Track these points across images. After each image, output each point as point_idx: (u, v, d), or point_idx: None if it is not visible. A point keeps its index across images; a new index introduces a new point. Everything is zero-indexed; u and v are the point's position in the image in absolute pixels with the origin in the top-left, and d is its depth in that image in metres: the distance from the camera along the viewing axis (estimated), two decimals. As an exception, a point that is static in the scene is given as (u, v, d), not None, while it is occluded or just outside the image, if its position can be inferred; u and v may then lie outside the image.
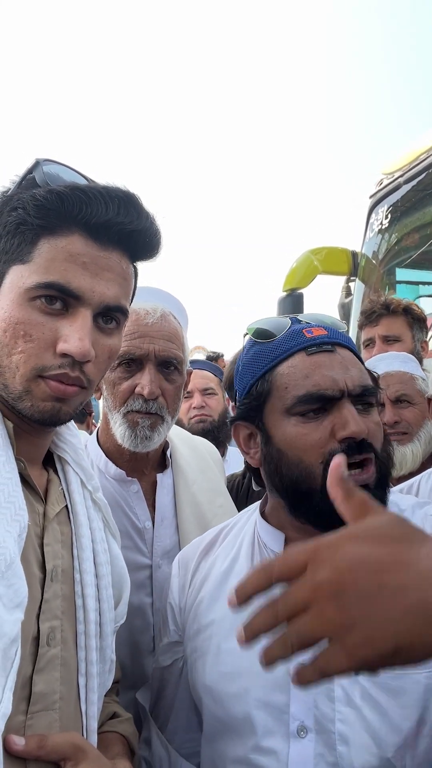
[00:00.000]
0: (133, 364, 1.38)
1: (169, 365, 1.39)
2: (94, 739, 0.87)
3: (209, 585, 1.07)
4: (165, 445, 1.53)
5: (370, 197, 4.63)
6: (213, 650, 1.00)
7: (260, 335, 1.03)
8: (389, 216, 4.43)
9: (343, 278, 5.00)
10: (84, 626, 0.87)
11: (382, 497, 0.93)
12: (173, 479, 1.50)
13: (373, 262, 4.59)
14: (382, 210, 4.50)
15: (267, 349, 1.01)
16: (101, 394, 1.45)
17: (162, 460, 1.53)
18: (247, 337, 1.06)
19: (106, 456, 1.47)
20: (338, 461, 0.66)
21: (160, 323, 1.40)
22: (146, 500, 1.45)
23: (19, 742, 0.75)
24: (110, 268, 0.84)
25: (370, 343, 2.62)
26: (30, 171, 0.85)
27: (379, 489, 0.93)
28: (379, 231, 4.52)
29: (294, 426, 0.95)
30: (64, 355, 0.80)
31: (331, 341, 0.98)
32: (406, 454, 1.98)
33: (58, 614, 0.84)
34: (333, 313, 5.24)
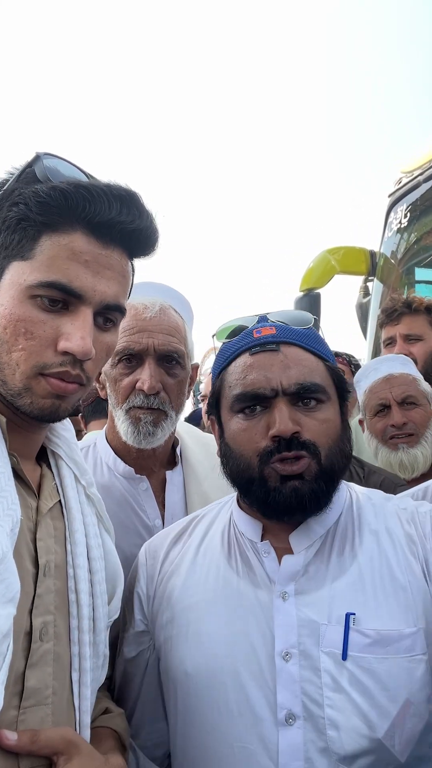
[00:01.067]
0: (133, 359, 1.37)
1: (170, 359, 1.38)
2: (86, 733, 0.87)
3: (182, 572, 1.08)
4: (174, 442, 1.52)
5: (389, 196, 4.58)
6: (192, 635, 1.00)
7: (226, 335, 1.09)
8: (408, 215, 4.38)
9: (361, 278, 4.95)
10: (77, 621, 0.87)
11: (316, 488, 0.96)
12: (183, 477, 1.49)
13: (392, 261, 4.54)
14: (401, 209, 4.45)
15: (225, 348, 1.07)
16: (106, 391, 1.45)
17: (171, 457, 1.52)
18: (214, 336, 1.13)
19: (115, 453, 1.47)
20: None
21: (159, 317, 1.38)
22: (156, 498, 1.44)
23: (11, 736, 0.75)
24: (111, 266, 0.84)
25: (391, 342, 2.58)
26: (30, 165, 0.84)
27: (319, 481, 0.96)
28: (398, 230, 4.47)
29: (236, 423, 1.01)
30: (65, 353, 0.81)
31: (276, 340, 1.01)
32: (417, 457, 1.98)
33: (51, 609, 0.84)
34: (350, 314, 5.19)
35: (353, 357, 2.94)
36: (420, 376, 2.13)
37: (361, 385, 2.16)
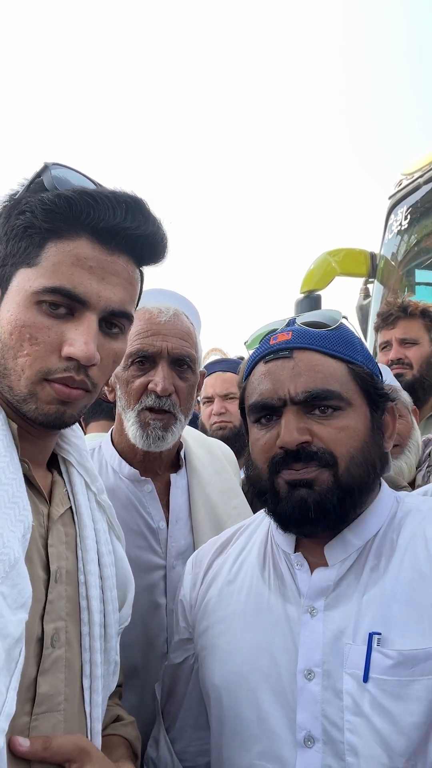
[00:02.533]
0: (146, 361, 1.38)
1: (182, 363, 1.40)
2: (98, 741, 0.87)
3: (219, 582, 1.08)
4: (179, 446, 1.53)
5: (389, 198, 4.58)
6: (222, 648, 1.00)
7: (252, 345, 1.08)
8: (408, 217, 4.38)
9: (362, 280, 4.95)
10: (88, 627, 0.87)
11: (325, 499, 0.91)
12: (188, 480, 1.50)
13: (392, 263, 4.55)
14: (402, 211, 4.46)
15: (250, 357, 1.06)
16: (115, 395, 1.46)
17: (176, 460, 1.53)
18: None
19: (120, 456, 1.47)
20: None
21: (172, 321, 1.40)
22: (160, 500, 1.45)
23: (23, 743, 0.75)
24: (116, 272, 0.84)
25: (386, 345, 2.58)
26: (38, 174, 0.85)
27: (332, 493, 0.91)
28: (399, 232, 4.47)
29: (254, 433, 1.01)
30: (70, 358, 0.81)
31: (290, 346, 0.98)
32: (402, 468, 1.99)
33: (62, 615, 0.84)
34: (351, 316, 5.20)
35: None
36: (399, 386, 2.12)
37: None
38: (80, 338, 0.80)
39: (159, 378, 1.35)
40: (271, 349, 1.00)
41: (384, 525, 0.98)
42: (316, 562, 0.98)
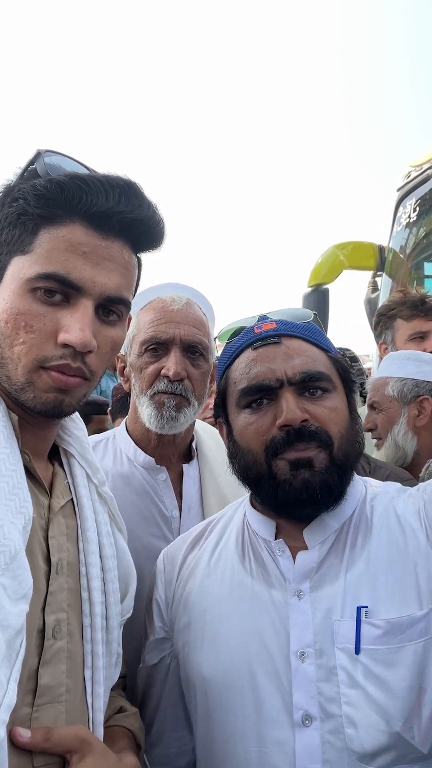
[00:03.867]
0: (159, 348, 1.41)
1: (195, 350, 1.42)
2: (100, 732, 0.87)
3: (198, 575, 1.07)
4: (191, 438, 1.56)
5: (398, 190, 4.54)
6: (208, 639, 0.99)
7: (227, 336, 1.09)
8: (417, 209, 4.35)
9: (370, 273, 4.92)
10: (90, 619, 0.87)
11: (327, 479, 0.94)
12: (199, 471, 1.53)
13: (401, 256, 4.51)
14: (410, 203, 4.42)
15: (227, 349, 1.07)
16: (130, 384, 1.48)
17: (188, 451, 1.55)
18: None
19: (135, 444, 1.50)
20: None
21: (185, 310, 1.44)
22: (174, 490, 1.47)
23: (25, 734, 0.75)
24: (111, 257, 0.83)
25: (423, 336, 2.50)
26: (32, 162, 0.84)
27: (327, 471, 0.94)
28: (407, 224, 4.44)
29: (243, 418, 1.00)
30: (66, 345, 0.80)
31: (278, 333, 1.02)
32: (384, 457, 2.05)
33: (63, 607, 0.84)
34: (359, 309, 5.17)
35: (348, 350, 2.92)
36: (414, 376, 2.09)
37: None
38: (75, 324, 0.79)
39: (171, 363, 1.38)
40: (259, 336, 1.02)
41: (357, 506, 1.03)
42: (297, 546, 1.00)
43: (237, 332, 1.08)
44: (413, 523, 0.98)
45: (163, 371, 1.39)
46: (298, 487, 0.93)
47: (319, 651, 0.91)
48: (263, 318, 1.07)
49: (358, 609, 0.91)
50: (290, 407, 0.94)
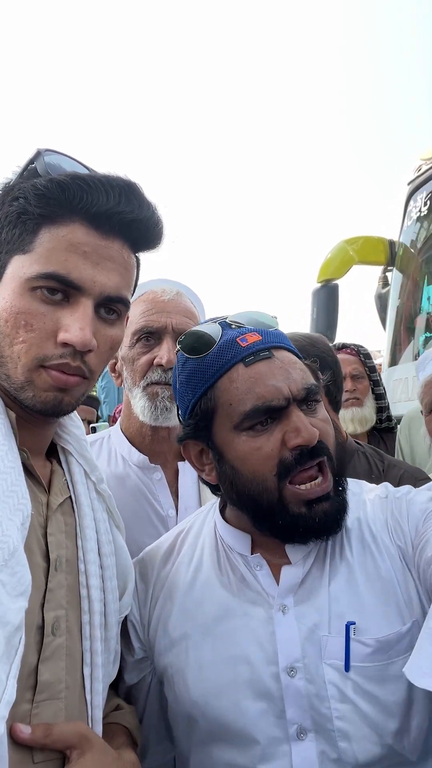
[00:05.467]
0: (151, 338, 1.42)
1: None
2: (99, 729, 0.87)
3: (177, 596, 1.03)
4: None
5: (408, 184, 4.50)
6: (192, 664, 0.97)
7: (192, 350, 0.96)
8: (428, 203, 4.30)
9: (380, 268, 4.88)
10: (89, 616, 0.87)
11: (341, 502, 0.93)
12: None
13: (412, 250, 4.47)
14: (421, 197, 4.37)
15: (203, 364, 0.95)
16: (121, 380, 1.48)
17: None
18: (179, 351, 1.00)
19: (129, 442, 1.49)
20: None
21: (176, 300, 1.45)
22: (169, 488, 1.46)
23: (25, 730, 0.75)
24: (111, 257, 0.83)
25: None
26: (31, 161, 0.84)
27: (337, 495, 0.93)
28: (418, 218, 4.39)
29: (245, 442, 0.92)
30: (65, 344, 0.80)
31: (267, 346, 0.94)
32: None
33: (62, 604, 0.84)
34: (370, 305, 5.13)
35: (362, 347, 2.90)
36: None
37: (419, 376, 1.99)
38: (75, 324, 0.80)
39: (164, 351, 1.39)
40: (251, 349, 0.94)
41: None
42: (276, 561, 0.98)
43: (196, 345, 0.96)
44: (384, 536, 0.97)
45: (156, 360, 1.39)
46: (320, 518, 0.90)
47: (306, 666, 0.90)
48: (240, 323, 0.98)
49: (347, 626, 0.90)
50: (306, 426, 0.90)
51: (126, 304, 0.87)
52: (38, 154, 0.83)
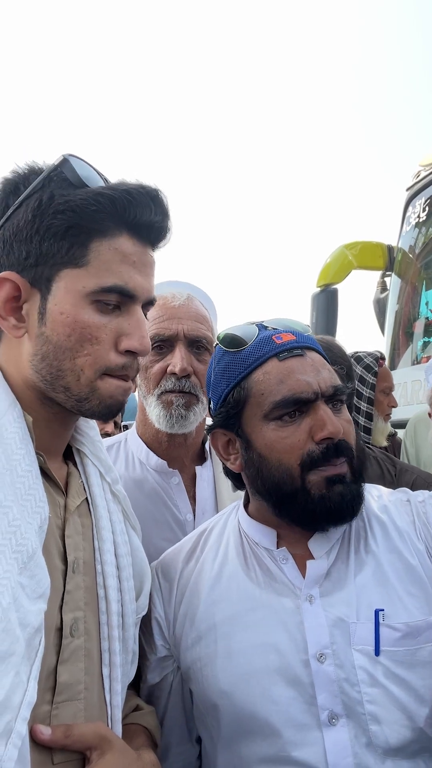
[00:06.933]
0: (164, 346, 1.39)
1: (200, 345, 1.40)
2: (118, 729, 0.88)
3: (203, 590, 1.06)
4: (204, 438, 1.53)
5: (407, 189, 4.53)
6: (222, 653, 0.99)
7: (231, 344, 1.03)
8: (427, 209, 4.34)
9: (379, 273, 4.90)
10: (106, 617, 0.88)
11: (357, 490, 0.98)
12: (213, 472, 1.50)
13: (410, 256, 4.50)
14: (420, 202, 4.41)
15: (239, 357, 1.02)
16: (136, 385, 1.45)
17: (201, 452, 1.53)
18: (217, 346, 1.07)
19: (147, 447, 1.47)
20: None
21: (187, 305, 1.42)
22: (187, 493, 1.45)
23: (45, 731, 0.76)
24: (149, 263, 0.88)
25: None
26: (56, 167, 0.84)
27: (355, 483, 0.98)
28: (416, 224, 4.43)
29: (273, 430, 0.97)
30: (128, 352, 0.84)
31: (300, 345, 1.01)
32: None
33: (80, 605, 0.85)
34: (369, 310, 5.15)
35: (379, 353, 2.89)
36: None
37: (429, 380, 2.04)
38: (137, 332, 0.84)
39: (177, 359, 1.36)
40: (285, 346, 1.00)
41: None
42: (300, 554, 1.01)
43: (234, 340, 1.03)
44: (411, 534, 1.02)
45: (169, 368, 1.37)
46: (336, 500, 0.94)
47: (336, 652, 0.93)
48: (275, 327, 1.05)
49: (376, 612, 0.93)
50: (332, 419, 0.95)
51: (154, 304, 0.92)
52: (65, 160, 0.84)
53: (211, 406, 1.09)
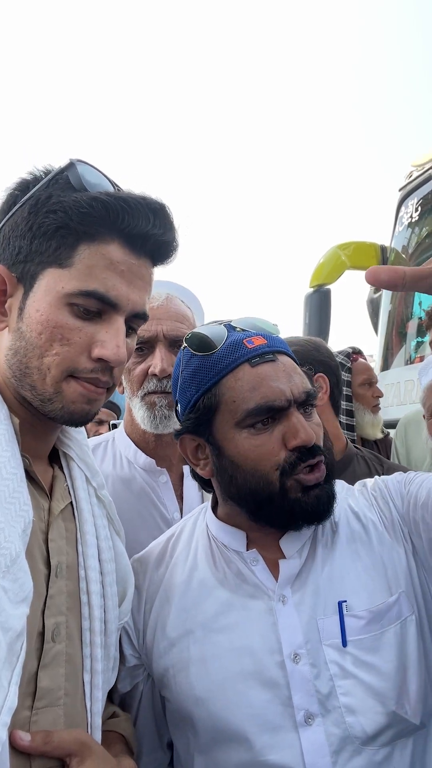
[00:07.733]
0: (144, 347, 1.41)
1: (180, 345, 1.40)
2: (98, 735, 0.87)
3: (174, 597, 1.04)
4: None
5: (400, 190, 4.54)
6: (196, 659, 0.98)
7: (199, 347, 1.00)
8: (419, 209, 4.35)
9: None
10: (89, 622, 0.87)
11: (331, 490, 0.99)
12: None
13: (403, 256, 4.51)
14: (412, 203, 4.42)
15: (209, 362, 0.99)
16: (122, 387, 1.48)
17: None
18: (185, 348, 1.03)
19: (135, 446, 1.49)
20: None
21: (165, 305, 1.43)
22: (175, 491, 1.46)
23: (24, 737, 0.75)
24: (141, 276, 0.86)
25: None
26: (62, 170, 0.84)
27: (327, 483, 0.99)
28: (409, 224, 4.44)
29: (246, 438, 0.96)
30: (99, 359, 0.82)
31: (271, 350, 0.99)
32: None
33: (63, 610, 0.84)
34: (362, 309, 5.16)
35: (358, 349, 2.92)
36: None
37: (422, 381, 2.00)
38: (112, 341, 0.82)
39: (157, 360, 1.38)
40: (257, 351, 0.98)
41: None
42: (271, 556, 1.01)
43: (203, 343, 0.99)
44: (371, 516, 1.04)
45: (150, 370, 1.39)
46: (313, 503, 0.95)
47: (310, 651, 0.93)
48: (244, 329, 1.02)
49: (339, 604, 0.95)
50: (305, 428, 0.95)
51: (146, 318, 0.90)
52: (71, 164, 0.84)
53: (179, 409, 1.06)
